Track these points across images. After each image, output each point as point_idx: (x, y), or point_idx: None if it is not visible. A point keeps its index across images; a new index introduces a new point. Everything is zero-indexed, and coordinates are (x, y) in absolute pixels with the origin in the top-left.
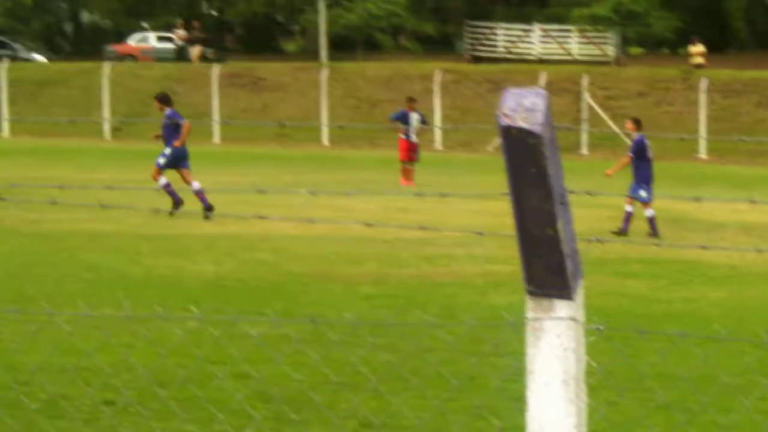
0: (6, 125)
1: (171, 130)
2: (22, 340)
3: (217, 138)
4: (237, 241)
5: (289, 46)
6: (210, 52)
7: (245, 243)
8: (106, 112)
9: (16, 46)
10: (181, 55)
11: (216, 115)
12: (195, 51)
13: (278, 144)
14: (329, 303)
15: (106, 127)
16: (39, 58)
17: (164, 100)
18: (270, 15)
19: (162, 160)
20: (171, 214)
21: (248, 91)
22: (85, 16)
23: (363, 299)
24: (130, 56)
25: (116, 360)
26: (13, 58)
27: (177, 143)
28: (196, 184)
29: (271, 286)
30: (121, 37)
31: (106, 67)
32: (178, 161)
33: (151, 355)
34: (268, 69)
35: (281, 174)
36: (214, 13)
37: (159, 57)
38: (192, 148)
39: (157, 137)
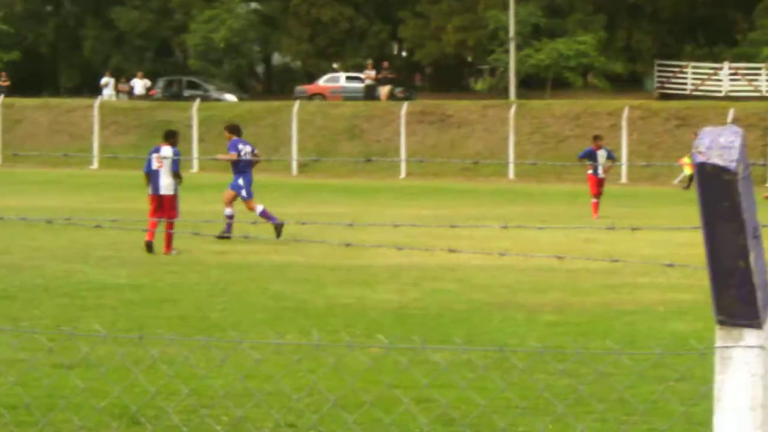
0: (195, 162)
1: (242, 160)
2: (208, 365)
3: (403, 173)
4: (421, 272)
5: (477, 85)
6: (399, 91)
7: (429, 273)
8: (295, 149)
9: (208, 86)
10: (369, 94)
11: (403, 152)
12: (384, 90)
13: (465, 179)
14: (511, 330)
15: (294, 163)
16: (230, 98)
17: (233, 130)
18: (459, 55)
19: (244, 192)
20: (278, 237)
21: (436, 128)
22: (276, 58)
23: (544, 326)
24: (320, 95)
25: (300, 384)
26: (205, 98)
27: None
28: (229, 211)
29: (453, 314)
30: (311, 78)
31: (295, 106)
32: (250, 185)
33: (336, 380)
34: (456, 106)
35: (468, 207)
36: (404, 54)
37: (348, 96)
38: (380, 183)
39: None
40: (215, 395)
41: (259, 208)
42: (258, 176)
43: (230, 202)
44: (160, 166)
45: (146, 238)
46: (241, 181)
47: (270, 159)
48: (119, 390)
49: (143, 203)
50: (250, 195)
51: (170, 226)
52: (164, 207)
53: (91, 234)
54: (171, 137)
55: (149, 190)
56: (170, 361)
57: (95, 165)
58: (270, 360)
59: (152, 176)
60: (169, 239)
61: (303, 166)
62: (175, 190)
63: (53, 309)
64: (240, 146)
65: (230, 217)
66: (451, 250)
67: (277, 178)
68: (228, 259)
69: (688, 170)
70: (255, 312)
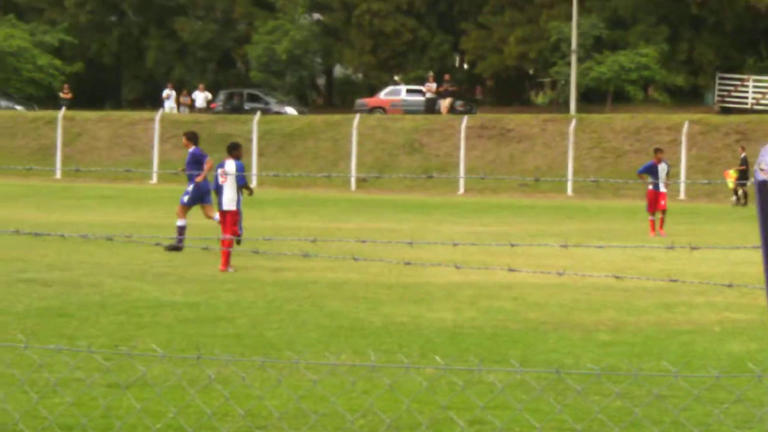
0: (255, 177)
1: (193, 167)
2: (263, 386)
3: (462, 189)
4: (478, 290)
5: (538, 99)
6: (459, 104)
7: (486, 291)
8: (354, 164)
9: (269, 99)
10: (430, 107)
11: (462, 167)
12: (445, 103)
13: (523, 194)
14: (566, 350)
15: (353, 179)
16: (290, 111)
17: (191, 137)
18: (521, 68)
19: (186, 198)
20: (166, 249)
21: (495, 142)
22: (338, 70)
23: (599, 346)
24: (380, 109)
25: (355, 405)
26: (266, 111)
27: (199, 179)
28: (217, 216)
29: (509, 334)
30: (372, 90)
31: (355, 120)
32: (202, 197)
33: (390, 401)
34: (517, 120)
35: (525, 224)
36: (466, 66)
37: (408, 109)
38: (438, 199)
39: (182, 171)
40: (270, 416)
41: (182, 222)
42: (316, 191)
43: (209, 216)
44: (224, 181)
45: (221, 267)
46: (191, 188)
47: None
48: (175, 411)
49: (201, 218)
50: (187, 203)
51: (228, 243)
52: (226, 223)
53: (150, 250)
54: (234, 150)
55: (218, 206)
56: (226, 381)
57: (155, 180)
58: (325, 381)
59: (218, 192)
60: (226, 257)
61: (362, 181)
62: (238, 205)
63: (109, 327)
64: (206, 153)
65: (182, 228)
66: (511, 270)
67: (336, 193)
68: (284, 276)
69: (731, 183)
70: (310, 331)
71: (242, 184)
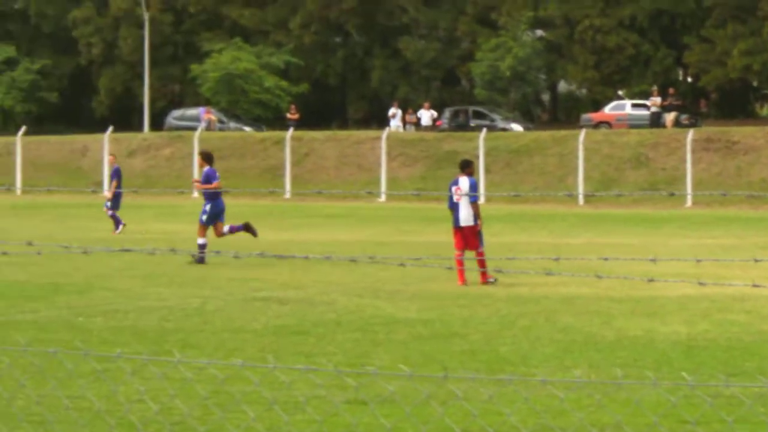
0: (483, 196)
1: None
2: (500, 401)
3: (689, 203)
4: (710, 303)
5: (763, 111)
6: (684, 118)
7: (718, 304)
8: (581, 179)
9: (495, 116)
10: (655, 121)
11: (689, 180)
12: (670, 117)
13: (750, 207)
14: None
15: (581, 195)
16: (516, 127)
17: (206, 157)
18: (745, 80)
19: (204, 217)
20: (191, 263)
21: (721, 155)
22: (562, 86)
23: None
24: (605, 123)
25: (594, 420)
26: (491, 128)
27: (198, 186)
28: (226, 228)
29: (744, 346)
30: (596, 105)
31: (581, 135)
32: (218, 215)
33: (624, 415)
34: (742, 133)
35: (754, 237)
36: (689, 79)
37: (633, 124)
38: (665, 212)
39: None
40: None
41: (202, 240)
42: (544, 207)
43: (221, 232)
44: (459, 199)
45: (458, 281)
46: (208, 208)
47: (555, 194)
48: (425, 429)
49: (428, 236)
50: (206, 223)
51: (480, 254)
52: (467, 238)
53: (380, 268)
54: (467, 167)
55: (453, 223)
56: (467, 398)
57: (383, 198)
58: (568, 397)
59: (454, 209)
60: (482, 270)
61: (590, 196)
62: (476, 220)
63: (346, 344)
64: (218, 175)
65: (203, 246)
66: (755, 286)
67: (564, 208)
68: (516, 292)
69: None
70: (544, 346)
71: (474, 201)
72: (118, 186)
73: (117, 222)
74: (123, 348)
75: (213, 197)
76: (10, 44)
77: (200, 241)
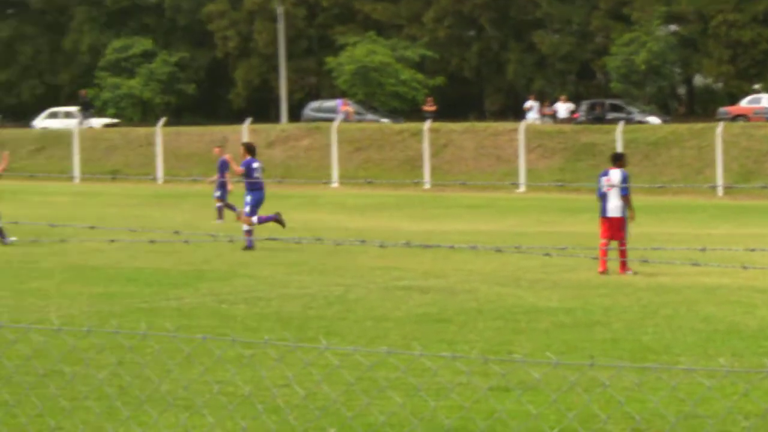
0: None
1: (244, 176)
2: (642, 389)
3: None
4: None
5: None
6: None
7: None
8: (720, 171)
9: (632, 109)
10: None
11: None
12: None
13: None
14: None
15: (720, 187)
16: (653, 120)
17: (248, 148)
18: None
19: (248, 209)
20: (244, 249)
21: None
22: (698, 80)
23: None
24: (743, 116)
25: (737, 407)
26: (628, 121)
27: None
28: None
29: None
30: (733, 99)
31: (719, 128)
32: (258, 203)
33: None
34: None
35: None
36: None
37: None
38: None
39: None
40: (653, 419)
41: (255, 219)
42: (683, 198)
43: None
44: (609, 190)
45: (599, 269)
46: (248, 198)
47: (698, 186)
48: (570, 416)
49: (569, 226)
50: (250, 213)
51: (622, 245)
52: (613, 229)
53: (521, 258)
54: (619, 160)
55: (600, 213)
56: (612, 386)
57: (522, 189)
58: (712, 385)
59: (603, 199)
60: (623, 260)
61: (729, 188)
62: (623, 212)
63: (487, 332)
64: (255, 165)
65: (260, 220)
66: None
67: (703, 199)
68: (657, 281)
69: None
70: (686, 335)
71: (624, 194)
72: (222, 176)
73: (221, 211)
74: (267, 334)
75: (253, 188)
76: (147, 37)
77: (254, 220)
